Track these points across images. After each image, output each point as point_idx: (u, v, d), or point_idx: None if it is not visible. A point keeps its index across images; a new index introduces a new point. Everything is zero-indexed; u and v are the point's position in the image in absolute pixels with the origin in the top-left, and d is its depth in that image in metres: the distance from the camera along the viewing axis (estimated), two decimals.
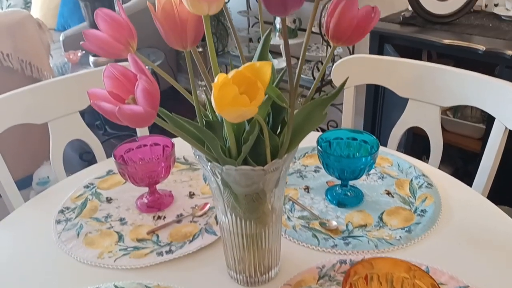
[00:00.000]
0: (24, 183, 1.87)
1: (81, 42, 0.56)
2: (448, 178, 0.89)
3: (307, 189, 0.87)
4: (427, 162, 1.64)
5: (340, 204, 0.81)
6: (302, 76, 2.03)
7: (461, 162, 1.61)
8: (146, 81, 0.40)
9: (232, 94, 0.38)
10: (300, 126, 0.56)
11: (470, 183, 1.40)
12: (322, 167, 0.82)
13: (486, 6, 1.51)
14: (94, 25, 1.96)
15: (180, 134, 0.51)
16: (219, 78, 0.39)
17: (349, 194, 0.84)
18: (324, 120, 0.55)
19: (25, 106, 1.00)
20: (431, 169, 0.92)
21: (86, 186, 0.90)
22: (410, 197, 0.83)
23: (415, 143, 1.60)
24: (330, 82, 2.03)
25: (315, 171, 0.92)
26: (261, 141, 0.55)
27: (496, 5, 1.47)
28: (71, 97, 1.06)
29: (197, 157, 0.57)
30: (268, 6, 0.43)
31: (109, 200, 0.86)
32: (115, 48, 0.54)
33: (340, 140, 0.86)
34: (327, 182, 0.88)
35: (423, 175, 0.88)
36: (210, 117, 0.59)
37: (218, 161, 0.55)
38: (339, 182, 0.84)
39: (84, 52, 2.30)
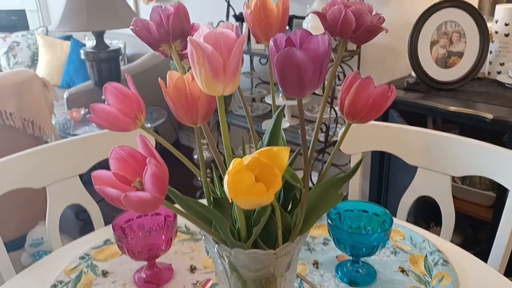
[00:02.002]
0: (16, 244, 1.80)
1: (87, 116, 0.54)
2: (464, 254, 0.85)
3: (316, 264, 0.82)
4: (435, 229, 1.58)
5: (352, 282, 0.76)
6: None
7: (470, 230, 1.56)
8: (156, 165, 0.37)
9: (248, 182, 0.35)
10: (314, 207, 0.52)
11: (480, 251, 1.34)
12: (331, 239, 0.78)
13: (489, 73, 1.53)
14: (98, 84, 1.98)
15: (186, 216, 0.48)
16: (234, 164, 0.36)
17: (361, 271, 0.79)
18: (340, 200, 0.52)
19: (23, 171, 0.97)
20: (445, 244, 0.88)
21: (82, 257, 0.85)
22: (426, 275, 0.78)
23: (424, 209, 1.56)
24: (334, 143, 2.02)
25: (324, 243, 0.88)
26: (272, 220, 0.51)
27: (499, 72, 1.49)
28: (71, 161, 1.04)
29: (203, 237, 0.53)
30: (285, 89, 0.41)
31: (105, 273, 0.81)
32: (123, 122, 0.52)
33: (350, 212, 0.82)
34: (337, 257, 0.84)
35: (438, 250, 0.84)
36: (219, 193, 0.56)
37: (226, 243, 0.51)
38: (349, 256, 0.79)
39: (87, 110, 2.31)
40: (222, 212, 0.53)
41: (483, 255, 0.93)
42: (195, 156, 2.47)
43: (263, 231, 0.51)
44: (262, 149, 0.37)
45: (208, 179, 0.55)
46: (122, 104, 0.52)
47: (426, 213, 1.59)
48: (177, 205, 0.52)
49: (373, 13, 0.50)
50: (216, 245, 0.51)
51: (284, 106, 0.53)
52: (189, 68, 0.46)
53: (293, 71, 0.39)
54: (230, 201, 0.38)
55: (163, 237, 0.76)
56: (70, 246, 0.91)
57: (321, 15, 0.50)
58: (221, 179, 0.57)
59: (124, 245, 0.74)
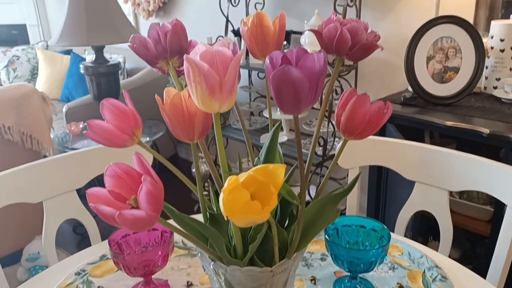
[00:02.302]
0: (13, 259, 1.78)
1: (84, 132, 0.54)
2: (462, 270, 0.84)
3: (313, 280, 0.81)
4: (434, 243, 1.57)
5: None
6: (303, 150, 2.03)
7: (468, 244, 1.55)
8: (151, 182, 0.37)
9: (243, 200, 0.35)
10: (311, 223, 0.52)
11: (479, 266, 1.33)
12: (328, 254, 0.78)
13: (485, 88, 1.54)
14: (98, 98, 1.98)
15: (181, 233, 0.48)
16: (229, 182, 0.36)
17: (358, 287, 0.78)
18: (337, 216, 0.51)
19: (19, 186, 0.96)
20: (443, 259, 0.87)
21: (77, 273, 0.85)
22: None
23: (422, 224, 1.55)
24: (332, 157, 2.02)
25: (321, 259, 0.87)
26: (269, 237, 0.51)
27: (495, 87, 1.50)
28: (68, 176, 1.04)
29: (199, 254, 0.53)
30: (281, 106, 0.41)
31: None
32: (120, 139, 0.52)
33: (348, 227, 0.82)
34: (335, 273, 0.83)
35: (436, 266, 0.83)
36: (215, 209, 0.56)
37: (222, 260, 0.51)
38: (347, 272, 0.78)
39: (85, 124, 2.32)
40: (218, 228, 0.53)
41: (482, 270, 0.93)
42: (194, 170, 2.47)
43: (259, 248, 0.51)
44: (258, 166, 0.37)
45: (206, 193, 0.55)
46: (119, 120, 0.52)
47: (424, 228, 1.59)
48: (172, 221, 0.51)
49: (369, 30, 0.51)
50: (212, 262, 0.51)
51: (281, 121, 0.53)
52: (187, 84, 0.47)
53: (289, 88, 0.39)
54: (226, 219, 0.37)
55: (160, 253, 0.76)
56: (66, 262, 0.90)
57: (317, 33, 0.51)
58: (217, 194, 0.57)
59: (120, 261, 0.73)
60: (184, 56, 0.38)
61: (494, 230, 1.31)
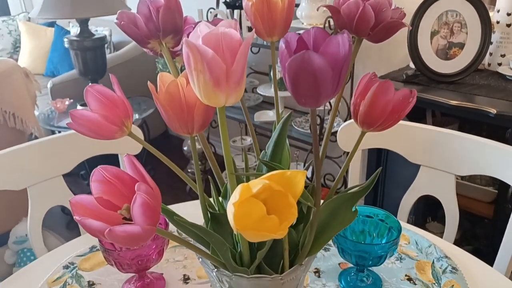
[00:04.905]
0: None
1: (66, 123, 0.48)
2: (471, 259, 0.80)
3: (317, 272, 0.77)
4: (433, 224, 1.54)
5: None
6: (299, 129, 1.97)
7: (468, 225, 1.53)
8: (147, 191, 0.31)
9: (258, 214, 0.30)
10: (324, 226, 0.47)
11: (478, 247, 1.30)
12: (332, 244, 0.73)
13: (489, 64, 1.48)
14: (83, 73, 1.86)
15: (180, 241, 0.42)
16: (241, 192, 0.30)
17: (365, 280, 0.74)
18: (355, 217, 0.46)
19: (2, 172, 0.90)
20: (451, 248, 0.84)
21: (66, 267, 0.79)
22: (435, 284, 0.74)
23: (420, 205, 1.52)
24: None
25: (324, 249, 0.83)
26: (278, 240, 0.46)
27: (499, 64, 1.44)
28: (53, 160, 0.97)
29: (200, 259, 0.47)
30: (298, 98, 0.35)
31: (91, 285, 0.75)
32: (108, 130, 0.46)
33: None
34: (339, 264, 0.79)
35: (446, 256, 0.79)
36: (217, 208, 0.51)
37: (226, 267, 0.45)
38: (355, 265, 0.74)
39: (72, 100, 2.23)
40: (221, 230, 0.47)
41: (482, 252, 0.89)
42: (185, 148, 2.40)
43: (268, 252, 0.45)
44: (274, 172, 0.32)
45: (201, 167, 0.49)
46: (107, 110, 0.46)
47: (423, 208, 1.56)
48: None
49: (393, 6, 0.44)
50: (215, 269, 0.45)
51: (290, 114, 0.47)
52: (183, 67, 0.40)
53: (309, 79, 0.33)
54: (235, 232, 0.32)
55: (154, 246, 0.70)
56: (54, 253, 0.85)
57: (334, 9, 0.44)
58: (218, 191, 0.52)
59: (111, 258, 0.68)
60: (184, 40, 0.31)
61: (498, 211, 1.28)
